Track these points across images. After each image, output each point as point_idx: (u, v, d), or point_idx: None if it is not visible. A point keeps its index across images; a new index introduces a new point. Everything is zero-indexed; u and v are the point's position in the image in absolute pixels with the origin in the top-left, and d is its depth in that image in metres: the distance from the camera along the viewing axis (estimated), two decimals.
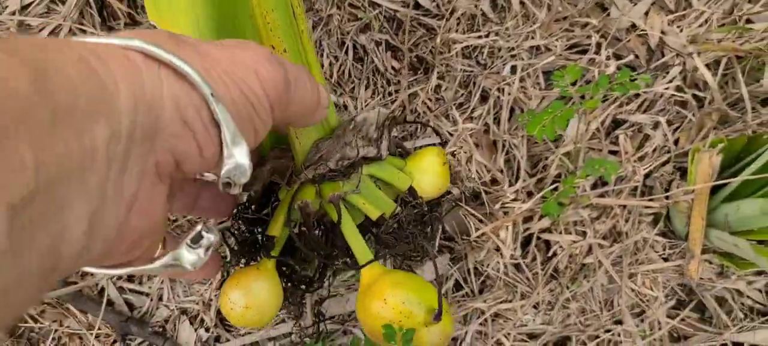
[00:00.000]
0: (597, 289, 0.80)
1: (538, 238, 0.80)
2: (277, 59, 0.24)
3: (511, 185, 0.80)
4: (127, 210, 0.21)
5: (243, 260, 0.35)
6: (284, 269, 0.34)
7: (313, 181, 0.30)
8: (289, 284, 0.34)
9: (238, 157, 0.23)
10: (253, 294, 0.30)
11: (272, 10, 0.29)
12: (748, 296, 0.81)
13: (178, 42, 0.23)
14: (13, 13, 0.82)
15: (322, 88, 0.28)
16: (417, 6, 0.83)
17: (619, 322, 0.81)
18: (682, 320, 0.81)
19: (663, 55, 0.80)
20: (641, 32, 0.80)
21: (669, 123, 0.79)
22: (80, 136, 0.18)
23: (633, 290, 0.80)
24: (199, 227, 0.26)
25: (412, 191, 0.33)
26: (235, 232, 0.35)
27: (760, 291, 0.80)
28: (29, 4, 0.82)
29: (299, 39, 0.31)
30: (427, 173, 0.33)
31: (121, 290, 0.84)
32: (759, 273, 0.79)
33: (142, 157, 0.21)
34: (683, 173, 0.79)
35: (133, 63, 0.20)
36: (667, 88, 0.78)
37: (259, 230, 0.34)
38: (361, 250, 0.29)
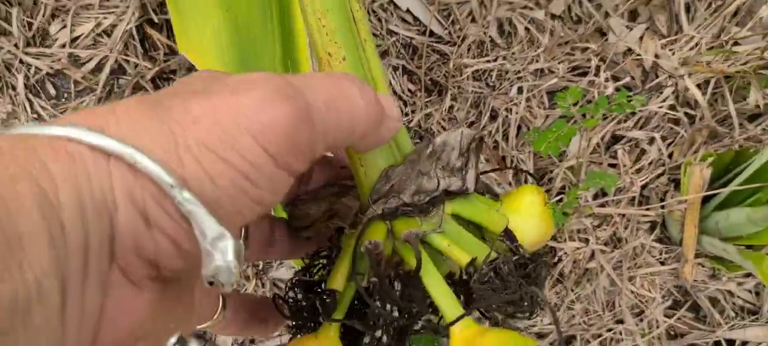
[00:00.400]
0: (599, 291, 0.87)
1: (545, 245, 0.88)
2: (288, 92, 0.19)
3: None
4: (93, 331, 0.18)
5: (299, 334, 0.28)
6: (348, 340, 0.26)
7: (383, 217, 0.24)
8: None
9: (219, 256, 0.18)
10: None
11: (328, 11, 0.25)
12: (738, 296, 0.87)
13: (142, 111, 0.18)
14: (63, 46, 0.90)
15: (389, 97, 0.24)
16: (431, 33, 0.91)
17: (621, 321, 0.88)
18: (678, 319, 0.88)
19: (657, 77, 0.88)
20: (637, 56, 0.87)
21: (663, 138, 0.87)
22: (20, 271, 0.15)
23: (633, 292, 0.87)
24: (172, 341, 0.21)
25: (508, 233, 0.26)
26: (291, 298, 0.27)
27: (749, 291, 0.87)
28: (78, 37, 0.90)
29: (361, 48, 0.26)
30: (525, 217, 0.27)
31: None
32: (748, 275, 0.86)
33: (101, 268, 0.17)
34: (677, 184, 0.87)
35: (77, 158, 0.17)
36: (661, 107, 0.86)
37: (319, 289, 0.27)
38: (449, 302, 0.23)
